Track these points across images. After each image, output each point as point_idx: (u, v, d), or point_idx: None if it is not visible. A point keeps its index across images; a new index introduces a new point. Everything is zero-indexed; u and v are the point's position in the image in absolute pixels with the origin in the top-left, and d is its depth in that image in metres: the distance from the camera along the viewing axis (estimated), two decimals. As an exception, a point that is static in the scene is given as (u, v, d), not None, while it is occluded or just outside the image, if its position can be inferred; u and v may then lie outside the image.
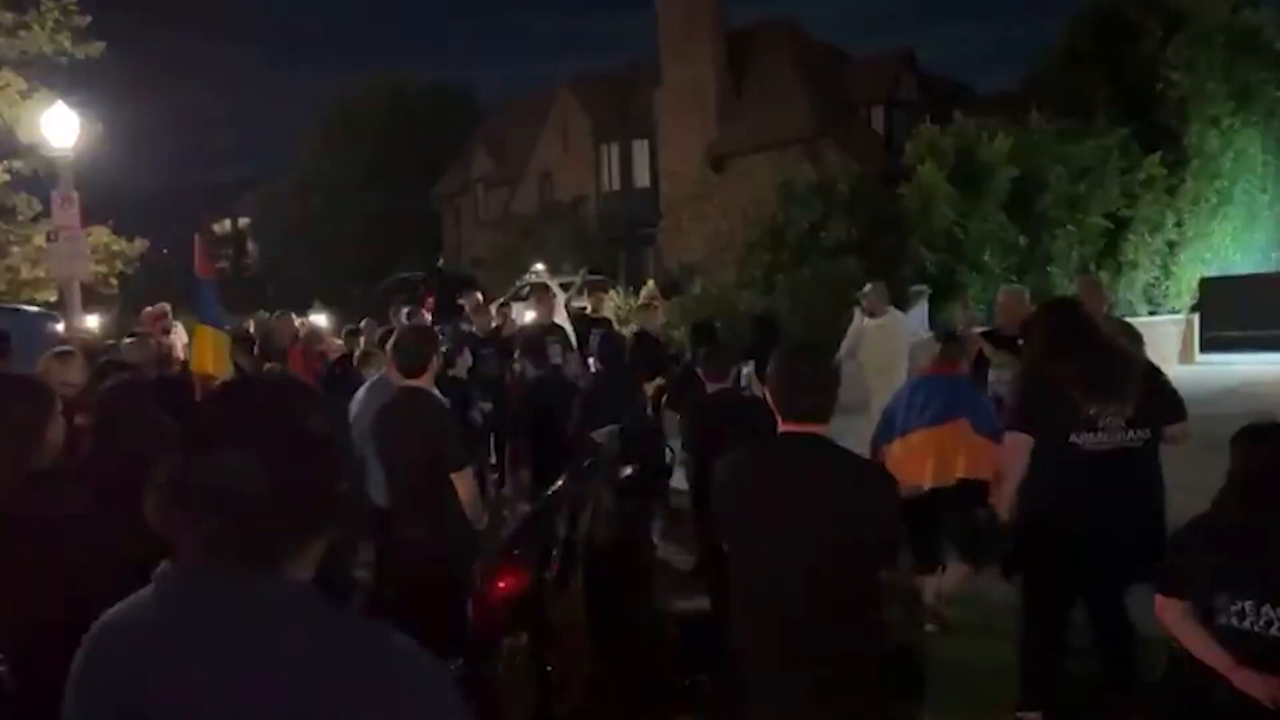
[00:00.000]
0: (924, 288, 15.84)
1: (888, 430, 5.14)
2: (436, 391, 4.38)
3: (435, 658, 1.24)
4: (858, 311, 8.83)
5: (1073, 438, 3.80)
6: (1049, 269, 16.52)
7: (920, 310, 15.09)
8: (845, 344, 8.71)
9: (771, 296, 16.00)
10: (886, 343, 8.13)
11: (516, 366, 7.86)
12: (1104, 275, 16.80)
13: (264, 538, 1.19)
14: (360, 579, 4.60)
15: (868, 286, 9.00)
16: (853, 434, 7.22)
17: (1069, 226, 16.81)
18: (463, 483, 4.10)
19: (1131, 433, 3.81)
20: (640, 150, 28.26)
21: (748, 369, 6.55)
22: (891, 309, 8.81)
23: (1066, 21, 20.78)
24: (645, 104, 27.29)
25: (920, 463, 4.84)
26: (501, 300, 13.42)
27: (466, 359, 7.47)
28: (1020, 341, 4.97)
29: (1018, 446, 3.95)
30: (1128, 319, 8.04)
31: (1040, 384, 3.97)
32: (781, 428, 2.64)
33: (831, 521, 2.44)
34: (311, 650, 1.15)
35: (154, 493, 1.21)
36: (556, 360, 6.96)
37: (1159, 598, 2.94)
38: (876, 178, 18.35)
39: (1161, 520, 3.97)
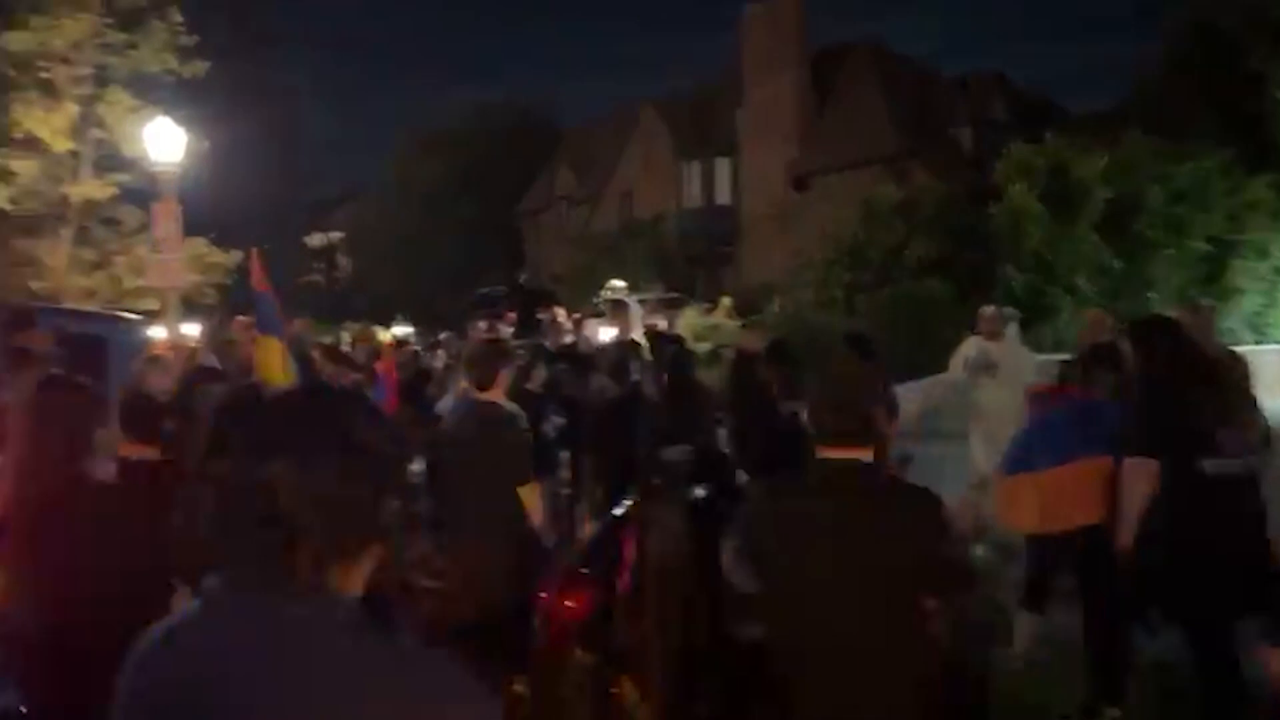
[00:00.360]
0: (1014, 311, 15.42)
1: (1023, 459, 4.79)
2: (507, 404, 4.40)
3: (483, 684, 1.20)
4: (973, 336, 8.60)
5: (1198, 462, 3.63)
6: (1148, 294, 15.92)
7: (1010, 334, 14.67)
8: (954, 366, 8.52)
9: (851, 316, 15.78)
10: (1006, 366, 7.91)
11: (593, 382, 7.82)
12: (1206, 301, 16.12)
13: (309, 552, 1.17)
14: (430, 588, 4.62)
15: (989, 309, 8.80)
16: (954, 461, 7.07)
17: (1168, 250, 16.18)
18: (530, 497, 4.11)
19: (1248, 458, 3.68)
20: (722, 168, 28.24)
21: None
22: (1008, 332, 8.59)
23: (1165, 39, 20.11)
24: (728, 122, 27.28)
25: (1077, 497, 4.46)
26: (578, 315, 13.48)
27: (541, 373, 7.49)
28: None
29: (1146, 473, 3.76)
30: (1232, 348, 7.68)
31: (1166, 405, 3.77)
32: (820, 453, 2.51)
33: (873, 552, 2.34)
34: (355, 671, 1.13)
35: (206, 504, 1.21)
36: (636, 377, 6.91)
37: (1272, 650, 2.73)
38: (963, 197, 17.99)
39: (1268, 550, 3.75)
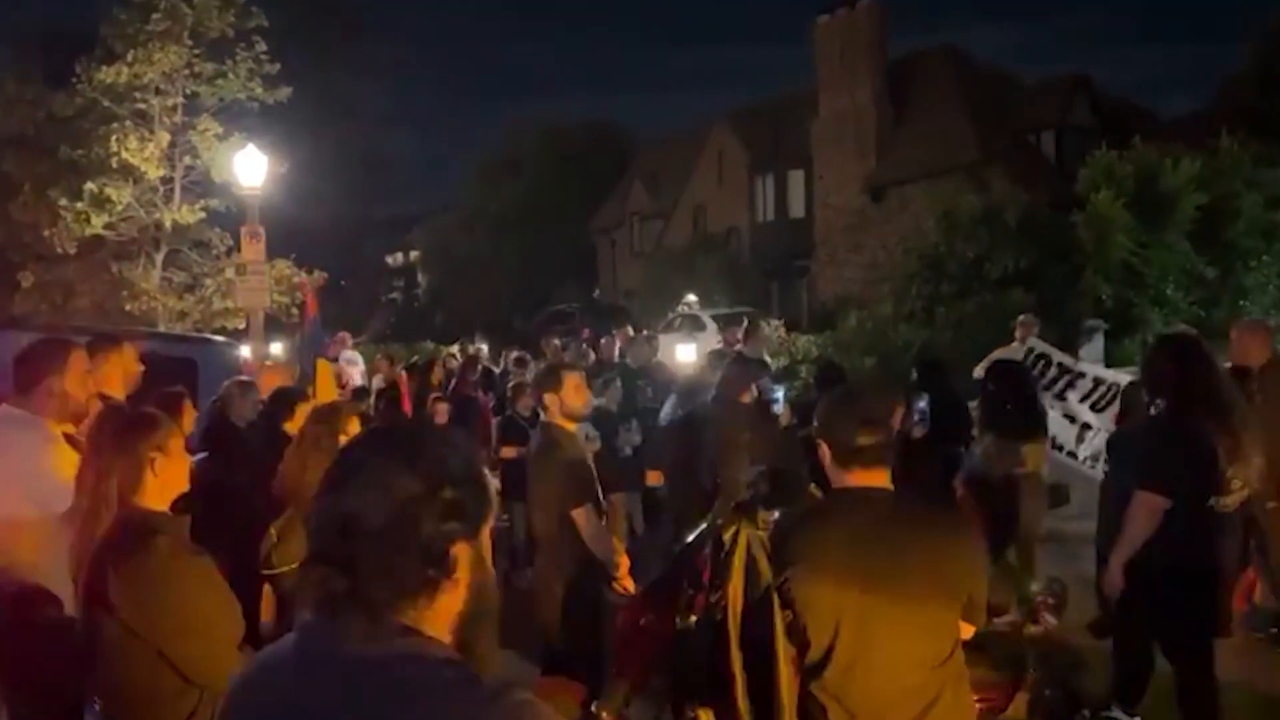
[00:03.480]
0: (1098, 322, 14.95)
1: None
2: (562, 425, 4.37)
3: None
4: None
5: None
6: (1242, 303, 15.29)
7: (1095, 346, 14.23)
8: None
9: (931, 329, 15.45)
10: None
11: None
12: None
13: (390, 588, 1.17)
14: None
15: (1021, 317, 9.14)
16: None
17: (1265, 257, 15.54)
18: (582, 520, 4.07)
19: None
20: (796, 181, 27.99)
21: (923, 403, 6.34)
22: (1093, 343, 8.72)
23: (1258, 39, 19.35)
24: (802, 134, 27.05)
25: None
26: (646, 332, 13.48)
27: (617, 391, 7.48)
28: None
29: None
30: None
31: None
32: (837, 481, 2.43)
33: (910, 581, 2.26)
34: (425, 713, 1.13)
35: (306, 538, 1.22)
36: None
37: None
38: (1047, 206, 17.53)
39: None
